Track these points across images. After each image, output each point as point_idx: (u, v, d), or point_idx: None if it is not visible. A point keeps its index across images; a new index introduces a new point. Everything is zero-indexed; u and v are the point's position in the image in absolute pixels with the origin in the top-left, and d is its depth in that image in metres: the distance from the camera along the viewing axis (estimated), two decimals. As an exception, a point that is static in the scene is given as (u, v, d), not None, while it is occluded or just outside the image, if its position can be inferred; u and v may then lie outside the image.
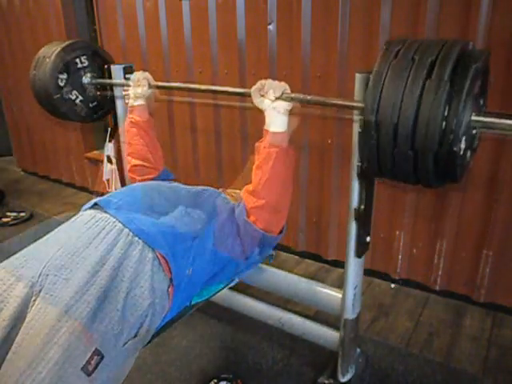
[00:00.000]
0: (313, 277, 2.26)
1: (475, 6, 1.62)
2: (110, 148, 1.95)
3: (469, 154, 0.92)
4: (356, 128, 1.17)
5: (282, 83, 1.20)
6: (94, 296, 0.89)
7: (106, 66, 1.82)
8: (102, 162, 2.06)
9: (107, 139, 1.93)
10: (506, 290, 1.90)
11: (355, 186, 1.24)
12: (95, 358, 0.85)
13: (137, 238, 1.00)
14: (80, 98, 1.82)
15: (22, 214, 3.07)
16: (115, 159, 1.93)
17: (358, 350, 1.55)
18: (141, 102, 1.55)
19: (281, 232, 1.31)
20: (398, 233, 2.09)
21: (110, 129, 1.92)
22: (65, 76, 1.75)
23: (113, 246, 0.98)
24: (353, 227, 1.28)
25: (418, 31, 1.76)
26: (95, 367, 0.84)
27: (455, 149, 0.78)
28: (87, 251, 0.96)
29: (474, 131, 0.90)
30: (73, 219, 1.10)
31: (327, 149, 2.15)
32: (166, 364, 1.68)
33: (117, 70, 1.77)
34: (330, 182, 2.19)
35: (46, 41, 3.21)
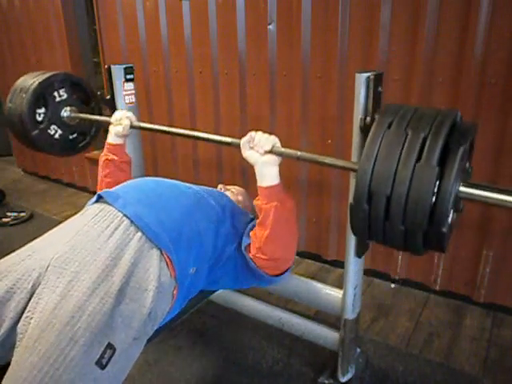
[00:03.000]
0: (313, 277, 2.26)
1: (475, 6, 1.62)
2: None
3: (455, 217, 0.95)
4: (356, 129, 1.17)
5: (272, 137, 1.17)
6: (107, 292, 0.90)
7: (106, 67, 1.81)
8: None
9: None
10: (506, 290, 1.90)
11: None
12: (108, 351, 0.86)
13: (144, 236, 1.02)
14: (59, 131, 1.77)
15: (22, 214, 3.07)
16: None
17: (358, 350, 1.55)
18: (119, 141, 1.50)
19: (283, 273, 1.28)
20: (397, 233, 2.09)
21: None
22: (43, 110, 1.69)
23: (124, 242, 0.99)
24: (353, 227, 1.28)
25: (417, 31, 1.76)
26: (108, 360, 0.86)
27: (444, 230, 0.82)
28: (96, 245, 0.97)
29: (461, 202, 0.92)
30: (80, 213, 1.11)
31: (327, 149, 2.15)
32: (166, 364, 1.68)
33: (117, 71, 1.77)
34: (330, 181, 2.19)
35: (46, 41, 3.24)
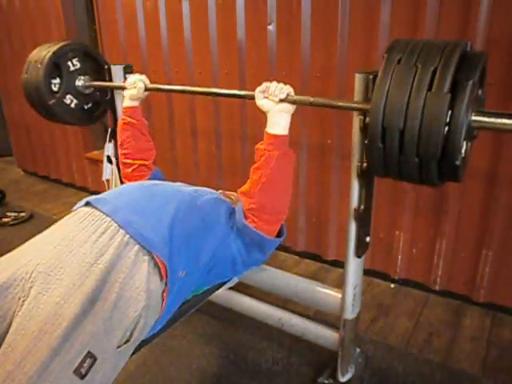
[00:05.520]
0: (313, 277, 2.26)
1: (475, 6, 1.62)
2: (110, 148, 1.95)
3: (469, 147, 0.96)
4: (356, 128, 1.17)
5: (287, 86, 1.19)
6: (89, 298, 0.87)
7: (106, 67, 1.82)
8: (101, 162, 2.06)
9: (107, 139, 1.93)
10: (506, 290, 1.90)
11: (355, 186, 1.24)
12: (88, 360, 0.83)
13: (132, 240, 0.99)
14: (75, 101, 1.80)
15: (22, 214, 3.07)
16: (115, 159, 1.93)
17: (358, 349, 1.55)
18: (135, 103, 1.54)
19: (280, 235, 1.30)
20: (397, 233, 2.09)
21: (110, 129, 1.92)
22: (58, 81, 1.73)
23: (108, 246, 0.96)
24: (353, 227, 1.29)
25: (417, 31, 1.76)
26: (88, 370, 0.83)
27: (457, 163, 0.84)
28: (81, 250, 0.94)
29: (474, 130, 0.93)
30: (67, 217, 1.09)
31: (327, 149, 2.15)
32: (166, 364, 1.68)
33: (117, 70, 1.77)
34: (330, 181, 2.19)
35: (46, 41, 3.22)
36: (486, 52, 0.91)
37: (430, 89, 0.82)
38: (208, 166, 2.67)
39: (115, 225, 1.00)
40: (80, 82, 1.80)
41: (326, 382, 1.52)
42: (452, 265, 2.00)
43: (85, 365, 0.82)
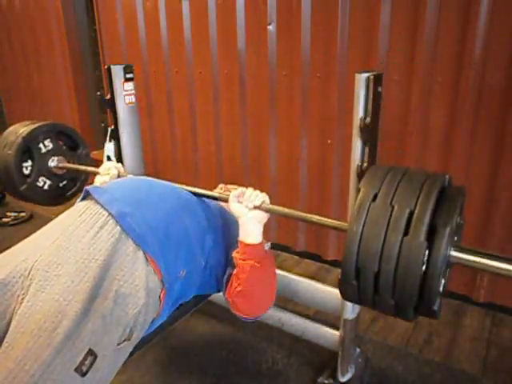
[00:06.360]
0: (313, 277, 2.26)
1: (475, 6, 1.62)
2: (109, 148, 1.95)
3: (447, 277, 0.93)
4: (356, 128, 1.17)
5: (263, 194, 1.17)
6: (89, 296, 0.87)
7: (106, 67, 1.81)
8: (101, 161, 2.06)
9: (107, 139, 1.93)
10: (506, 290, 1.90)
11: (354, 186, 1.24)
12: (89, 358, 0.83)
13: (130, 239, 0.98)
14: (48, 182, 1.73)
15: (22, 214, 3.07)
16: (115, 159, 1.93)
17: (358, 349, 1.55)
18: None
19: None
20: (397, 233, 2.09)
21: (110, 129, 1.92)
22: (29, 163, 1.66)
23: (106, 242, 0.96)
24: (352, 227, 1.28)
25: (417, 31, 1.76)
26: (89, 367, 0.83)
27: (435, 308, 0.81)
28: (79, 246, 0.94)
29: (451, 264, 0.90)
30: (66, 212, 1.09)
31: (327, 149, 2.15)
32: (166, 364, 1.68)
33: (117, 70, 1.77)
34: (330, 181, 2.19)
35: (46, 41, 3.24)
36: (464, 187, 0.90)
37: (406, 233, 0.79)
38: (208, 166, 2.67)
39: (113, 220, 1.00)
40: (53, 162, 1.71)
41: (325, 381, 1.52)
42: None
43: (86, 362, 0.83)
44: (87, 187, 1.12)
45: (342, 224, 1.03)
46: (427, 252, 0.78)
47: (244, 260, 1.14)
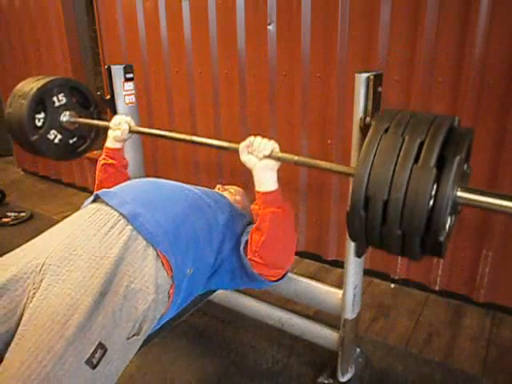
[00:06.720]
0: (313, 277, 2.25)
1: (475, 6, 1.62)
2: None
3: (453, 222, 0.94)
4: (356, 128, 1.17)
5: (271, 142, 1.16)
6: (100, 291, 0.89)
7: (106, 67, 1.81)
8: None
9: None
10: (506, 290, 1.90)
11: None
12: (99, 351, 0.85)
13: (140, 235, 1.01)
14: (59, 136, 1.76)
15: (22, 214, 3.07)
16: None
17: (358, 349, 1.55)
18: (118, 145, 1.49)
19: (280, 279, 1.28)
20: (397, 233, 2.09)
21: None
22: (42, 115, 1.69)
23: (117, 240, 0.98)
24: (353, 227, 1.28)
25: (417, 31, 1.76)
26: (99, 360, 0.85)
27: (441, 239, 0.81)
28: (91, 244, 0.97)
29: (459, 205, 0.91)
30: (77, 213, 1.11)
31: (327, 149, 2.15)
32: (166, 364, 1.68)
33: (117, 70, 1.77)
34: (330, 181, 2.19)
35: (46, 41, 3.24)
36: (472, 128, 0.90)
37: (416, 161, 0.81)
38: (208, 167, 2.67)
39: (124, 219, 1.03)
40: (65, 117, 1.76)
41: (325, 381, 1.52)
42: (452, 265, 2.00)
43: (96, 355, 0.85)
44: (97, 192, 1.13)
45: (350, 168, 1.04)
46: (435, 186, 0.79)
47: (264, 209, 1.15)
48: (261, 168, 1.16)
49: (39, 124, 1.70)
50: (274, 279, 1.25)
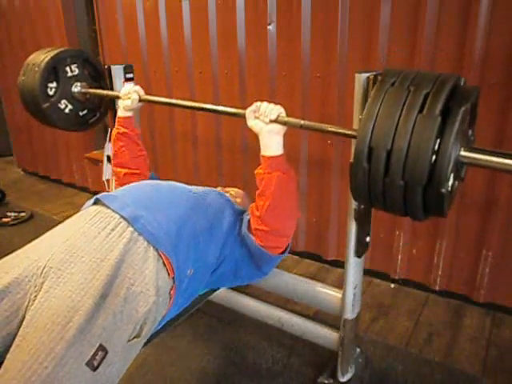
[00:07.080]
0: (313, 277, 2.26)
1: (475, 6, 1.62)
2: (110, 148, 1.95)
3: (456, 184, 0.93)
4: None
5: (278, 106, 1.18)
6: (101, 293, 0.90)
7: (105, 67, 1.82)
8: (102, 161, 2.06)
9: (107, 139, 1.94)
10: (506, 290, 1.90)
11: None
12: (100, 353, 0.85)
13: (141, 237, 1.01)
14: (70, 106, 1.79)
15: (22, 214, 3.07)
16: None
17: (358, 349, 1.55)
18: (129, 114, 1.52)
19: (284, 252, 1.30)
20: (397, 233, 2.09)
21: (110, 129, 1.92)
22: (54, 85, 1.73)
23: (117, 242, 0.98)
24: (353, 227, 1.29)
25: (417, 31, 1.76)
26: (100, 362, 0.85)
27: (443, 190, 0.81)
28: (92, 246, 0.97)
29: (463, 165, 0.91)
30: (77, 215, 1.11)
31: (327, 149, 2.15)
32: (166, 364, 1.68)
33: (117, 70, 1.77)
34: (330, 181, 2.19)
35: (46, 41, 3.24)
36: (478, 87, 0.89)
37: (421, 111, 0.81)
38: (208, 166, 2.67)
39: (124, 222, 1.03)
40: (76, 88, 1.78)
41: (325, 381, 1.52)
42: (452, 265, 2.00)
43: (97, 357, 0.85)
44: (98, 195, 1.13)
45: (355, 130, 1.04)
46: (439, 141, 0.79)
47: (269, 173, 1.16)
48: (267, 132, 1.17)
49: (51, 93, 1.73)
50: (279, 251, 1.27)
